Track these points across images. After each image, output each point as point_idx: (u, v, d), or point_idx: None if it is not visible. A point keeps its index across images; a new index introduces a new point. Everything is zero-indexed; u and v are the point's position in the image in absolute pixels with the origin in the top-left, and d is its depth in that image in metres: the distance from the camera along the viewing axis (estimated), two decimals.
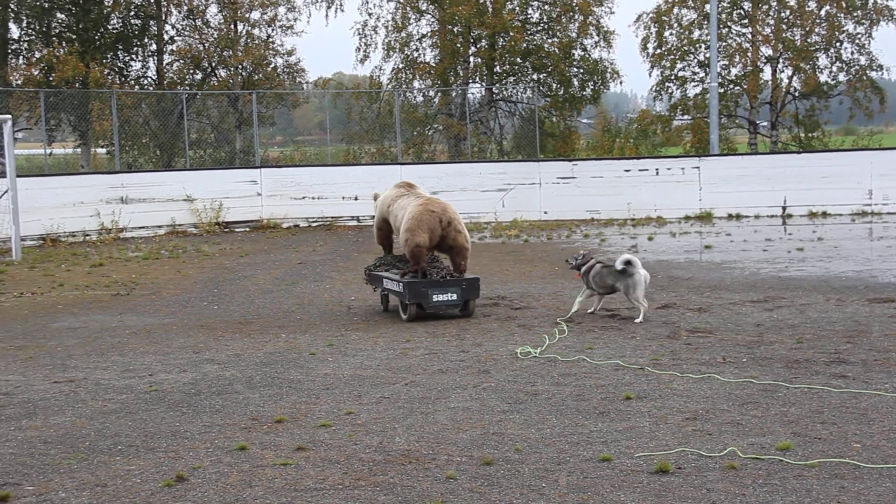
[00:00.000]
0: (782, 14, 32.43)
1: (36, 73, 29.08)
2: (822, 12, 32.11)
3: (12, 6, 29.78)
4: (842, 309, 10.35)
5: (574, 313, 10.36)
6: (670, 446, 5.88)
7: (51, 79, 28.40)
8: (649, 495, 5.12)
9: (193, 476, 5.57)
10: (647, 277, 10.13)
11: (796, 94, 32.77)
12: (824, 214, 21.92)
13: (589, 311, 10.53)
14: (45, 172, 23.77)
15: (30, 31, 30.60)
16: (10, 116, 18.53)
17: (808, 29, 31.99)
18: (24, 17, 30.29)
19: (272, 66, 32.70)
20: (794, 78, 32.59)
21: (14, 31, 30.63)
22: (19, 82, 28.91)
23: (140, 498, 5.25)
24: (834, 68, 32.43)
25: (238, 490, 5.33)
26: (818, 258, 14.70)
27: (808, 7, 32.02)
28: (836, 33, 31.93)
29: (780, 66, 32.63)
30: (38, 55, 29.80)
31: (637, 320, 9.96)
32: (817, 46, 32.22)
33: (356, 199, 23.20)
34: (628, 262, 9.94)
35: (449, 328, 9.94)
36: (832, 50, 32.22)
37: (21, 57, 30.67)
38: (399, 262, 11.29)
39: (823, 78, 32.30)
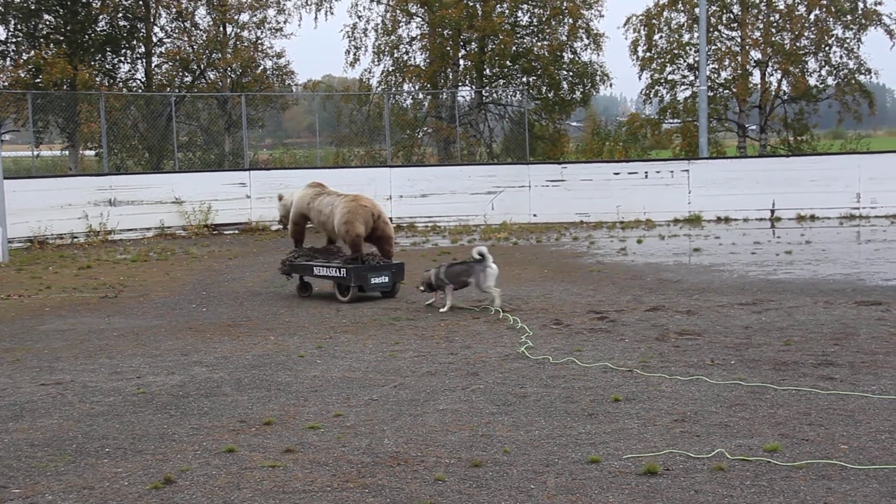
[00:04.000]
0: (771, 18, 32.54)
1: (23, 74, 28.93)
2: (812, 16, 32.23)
3: None
4: (829, 311, 10.39)
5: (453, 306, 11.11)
6: (658, 448, 5.89)
7: (38, 81, 28.27)
8: (638, 497, 5.13)
9: (181, 478, 5.55)
10: (497, 272, 11.13)
11: (785, 97, 32.88)
12: (812, 218, 22.00)
13: (427, 302, 11.47)
14: (33, 174, 23.66)
15: (17, 32, 30.46)
16: None
17: (797, 33, 32.11)
18: (10, 19, 30.15)
19: (261, 68, 32.64)
20: (784, 82, 32.71)
21: (0, 32, 30.54)
22: (6, 84, 28.79)
23: (128, 500, 5.23)
24: (823, 72, 32.55)
25: (226, 492, 5.32)
26: (806, 261, 14.75)
27: (798, 11, 32.14)
28: (825, 37, 32.05)
29: (769, 69, 32.73)
30: (25, 57, 29.67)
31: (494, 307, 10.87)
32: (806, 50, 32.33)
33: None
34: (482, 255, 10.94)
35: (438, 330, 9.94)
36: (821, 54, 32.33)
37: (8, 58, 30.52)
38: (318, 253, 12.63)
39: (812, 82, 32.40)
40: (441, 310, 11.05)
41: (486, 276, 10.99)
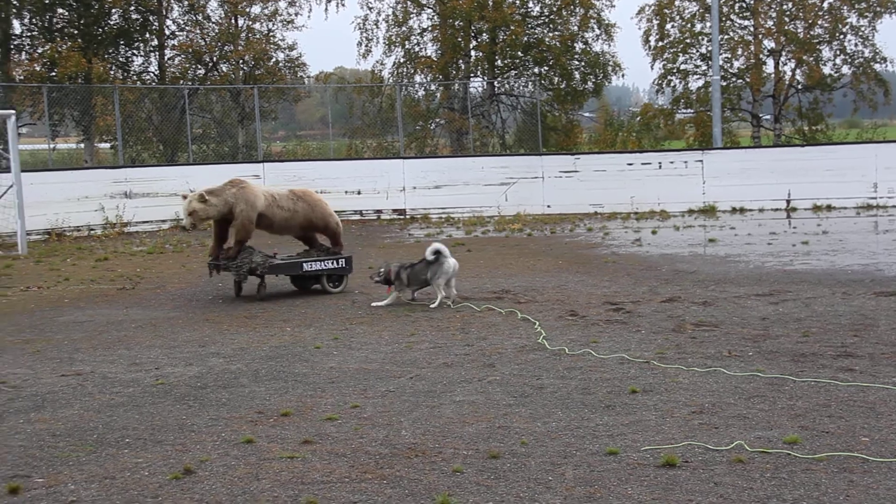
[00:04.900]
0: (784, 6, 32.36)
1: (38, 68, 29.07)
2: (826, 4, 32.05)
3: (14, 1, 29.75)
4: (848, 302, 10.35)
5: (388, 305, 11.04)
6: (677, 440, 5.88)
7: (53, 74, 28.39)
8: (656, 489, 5.13)
9: (201, 469, 5.58)
10: (456, 266, 11.02)
11: (799, 86, 32.72)
12: (829, 208, 21.90)
13: (409, 299, 11.31)
14: (50, 167, 23.77)
15: (32, 26, 30.58)
16: (13, 112, 18.56)
17: (811, 21, 31.93)
18: (25, 13, 30.26)
19: (273, 60, 32.69)
20: (798, 71, 32.54)
21: (16, 26, 30.65)
22: (22, 78, 28.91)
23: (148, 490, 5.27)
24: (838, 61, 32.40)
25: (245, 483, 5.34)
26: (823, 251, 14.69)
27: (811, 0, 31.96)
28: (840, 26, 31.86)
29: (783, 58, 32.59)
30: (40, 50, 29.79)
31: (433, 305, 10.80)
32: (821, 39, 32.16)
33: (359, 193, 23.23)
34: (437, 252, 10.82)
35: (454, 322, 9.95)
36: (835, 42, 32.15)
37: (23, 52, 30.66)
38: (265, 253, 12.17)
39: (827, 70, 32.24)
40: (374, 304, 11.09)
41: (441, 271, 10.84)
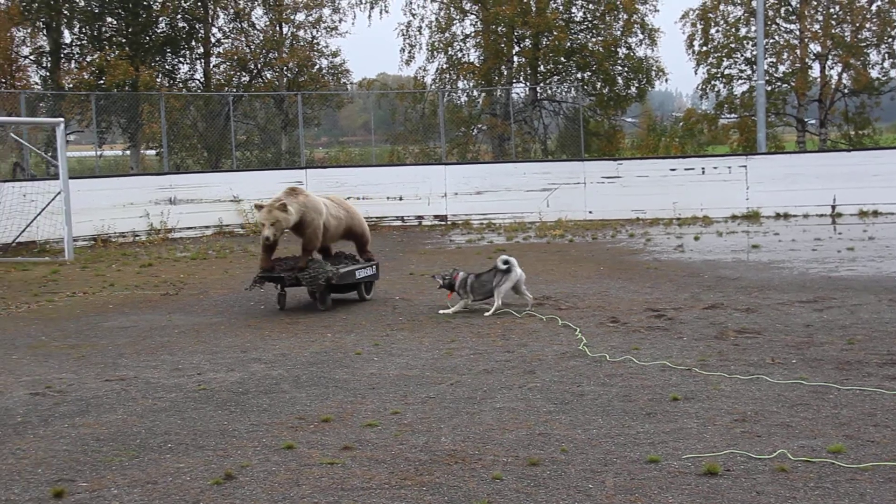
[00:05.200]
0: (831, 10, 31.94)
1: (87, 76, 29.57)
2: (874, 7, 31.58)
3: (64, 12, 30.30)
4: (895, 309, 10.17)
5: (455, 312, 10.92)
6: (718, 448, 5.82)
7: (101, 82, 28.86)
8: (697, 497, 5.08)
9: (241, 474, 5.63)
10: (523, 277, 11.03)
11: (846, 91, 32.25)
12: (875, 213, 21.55)
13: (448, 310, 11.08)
14: (96, 174, 24.14)
15: (81, 35, 31.12)
16: (62, 119, 18.90)
17: (858, 24, 31.47)
18: (75, 23, 30.81)
19: (317, 67, 32.93)
20: (844, 75, 32.09)
21: (66, 35, 31.22)
22: (71, 86, 29.41)
23: (190, 496, 5.32)
24: (885, 64, 31.91)
25: (286, 489, 5.38)
26: (869, 258, 14.46)
27: (859, 2, 31.50)
28: (888, 28, 31.38)
29: (829, 62, 32.15)
30: (89, 59, 30.29)
31: (487, 314, 10.70)
32: (868, 42, 31.68)
33: (401, 199, 23.29)
34: (507, 262, 10.84)
35: (494, 329, 9.94)
36: (883, 45, 31.67)
37: (73, 61, 31.21)
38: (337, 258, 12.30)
39: (874, 74, 31.77)
40: (441, 311, 10.96)
41: (507, 279, 10.82)
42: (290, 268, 11.56)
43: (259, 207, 11.35)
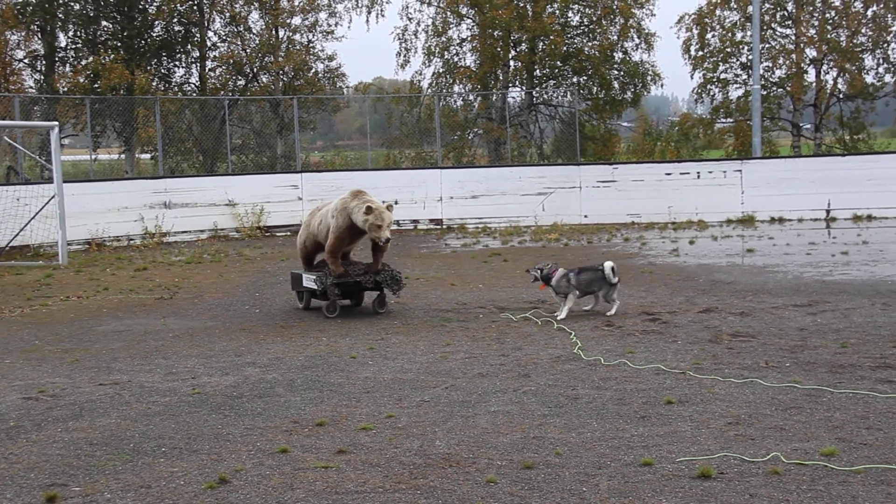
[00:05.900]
0: (827, 15, 32.01)
1: (82, 80, 29.55)
2: (869, 13, 31.65)
3: (59, 15, 30.29)
4: (888, 313, 10.19)
5: (567, 314, 10.62)
6: (712, 451, 5.83)
7: (96, 86, 28.84)
8: (691, 500, 5.08)
9: (236, 478, 5.62)
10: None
11: (841, 95, 32.32)
12: (869, 218, 21.60)
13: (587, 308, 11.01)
14: (91, 178, 24.09)
15: (76, 39, 31.11)
16: (57, 123, 18.86)
17: (853, 30, 31.54)
18: (70, 26, 30.79)
19: (313, 71, 32.92)
20: (840, 79, 32.17)
21: (61, 39, 31.20)
22: (66, 89, 29.39)
23: (183, 499, 5.31)
24: (880, 69, 31.96)
25: (280, 493, 5.37)
26: (863, 262, 14.49)
27: (854, 8, 31.57)
28: (884, 34, 31.46)
29: (824, 67, 32.21)
30: (84, 63, 30.27)
31: (560, 317, 10.51)
32: (863, 47, 31.75)
33: (396, 203, 23.23)
34: (613, 269, 10.67)
35: (489, 332, 9.94)
36: (879, 51, 31.74)
37: (68, 65, 31.19)
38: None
39: (869, 79, 31.84)
40: (559, 317, 10.52)
41: (614, 290, 10.73)
42: (363, 271, 11.38)
43: (371, 210, 10.84)
